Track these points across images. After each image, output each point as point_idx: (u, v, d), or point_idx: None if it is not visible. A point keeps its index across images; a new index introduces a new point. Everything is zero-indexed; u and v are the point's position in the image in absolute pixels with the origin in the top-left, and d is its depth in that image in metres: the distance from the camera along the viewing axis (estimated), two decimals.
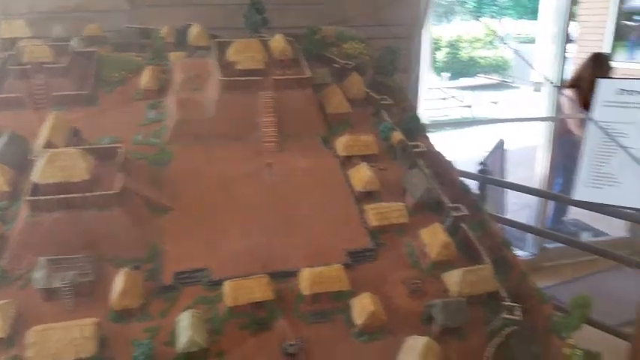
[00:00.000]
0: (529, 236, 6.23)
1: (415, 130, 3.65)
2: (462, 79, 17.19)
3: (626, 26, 12.78)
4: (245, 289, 2.41)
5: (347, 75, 3.94)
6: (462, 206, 2.92)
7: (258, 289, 2.42)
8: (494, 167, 5.19)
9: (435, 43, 19.70)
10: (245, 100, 3.32)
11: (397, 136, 3.49)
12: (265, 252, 2.70)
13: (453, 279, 2.52)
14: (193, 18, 4.12)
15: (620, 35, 12.66)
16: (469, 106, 15.32)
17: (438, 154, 3.60)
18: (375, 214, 2.92)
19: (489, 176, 4.48)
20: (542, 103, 6.13)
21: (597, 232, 6.81)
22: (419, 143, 3.43)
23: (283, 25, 3.89)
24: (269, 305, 2.43)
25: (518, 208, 6.61)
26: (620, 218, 4.28)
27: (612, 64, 7.96)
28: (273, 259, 2.65)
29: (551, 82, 5.45)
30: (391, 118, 3.71)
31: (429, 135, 3.77)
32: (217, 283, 2.51)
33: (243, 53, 3.42)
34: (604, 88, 3.05)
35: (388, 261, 2.76)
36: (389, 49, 4.25)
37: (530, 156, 6.65)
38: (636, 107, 2.81)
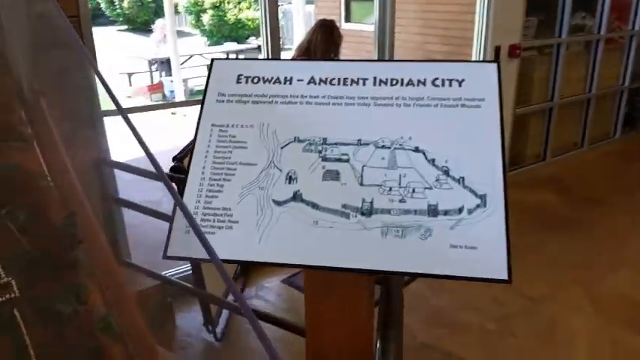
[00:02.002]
0: None
1: None
2: (229, 44, 16.14)
3: None
4: None
5: None
6: (13, 281, 1.79)
7: None
8: None
9: (197, 5, 18.25)
10: None
11: None
12: None
13: None
14: None
15: None
16: None
17: (34, 177, 2.36)
18: None
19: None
20: None
21: None
22: None
23: None
24: None
25: None
26: None
27: (348, 28, 7.58)
28: None
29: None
30: None
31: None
32: None
33: None
34: (218, 74, 1.84)
35: None
36: None
37: None
38: (258, 102, 1.93)
